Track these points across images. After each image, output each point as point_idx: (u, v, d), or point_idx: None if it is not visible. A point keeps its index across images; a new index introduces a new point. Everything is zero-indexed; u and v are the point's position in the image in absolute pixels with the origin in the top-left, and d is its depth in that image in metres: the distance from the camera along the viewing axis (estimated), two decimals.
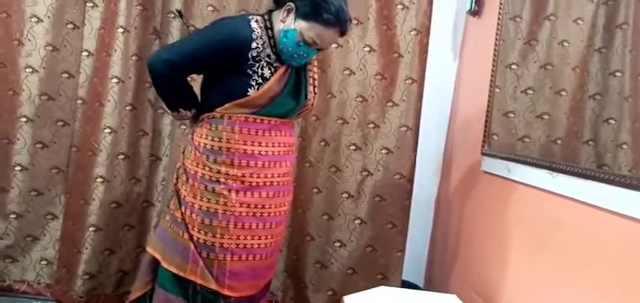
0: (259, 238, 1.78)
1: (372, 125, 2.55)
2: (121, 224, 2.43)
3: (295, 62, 1.76)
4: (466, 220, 2.39)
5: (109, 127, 2.35)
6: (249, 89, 1.70)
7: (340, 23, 1.69)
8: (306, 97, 1.85)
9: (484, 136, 2.20)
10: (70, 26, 2.39)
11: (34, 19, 2.35)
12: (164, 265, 1.79)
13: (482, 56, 2.31)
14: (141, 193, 2.48)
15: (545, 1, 1.93)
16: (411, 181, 2.56)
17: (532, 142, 1.90)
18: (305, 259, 2.59)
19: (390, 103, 2.54)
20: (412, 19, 2.51)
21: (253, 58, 1.70)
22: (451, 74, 2.77)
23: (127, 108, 2.38)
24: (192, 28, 2.39)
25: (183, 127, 2.45)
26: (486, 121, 2.19)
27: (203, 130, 1.77)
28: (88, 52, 2.37)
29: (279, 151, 1.80)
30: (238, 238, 1.75)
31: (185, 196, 1.79)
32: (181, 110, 1.84)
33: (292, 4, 1.69)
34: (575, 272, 1.49)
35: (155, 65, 1.73)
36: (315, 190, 2.58)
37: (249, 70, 1.70)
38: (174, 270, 1.77)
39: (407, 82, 2.53)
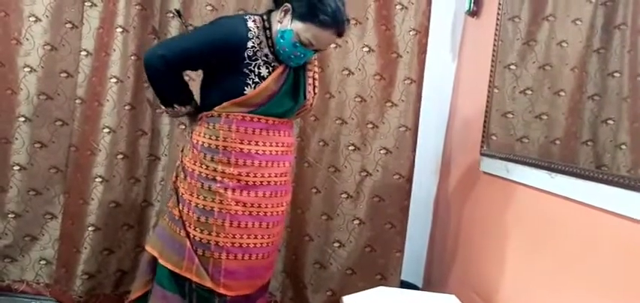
0: (255, 238, 1.79)
1: (370, 125, 2.55)
2: (119, 224, 2.43)
3: (292, 63, 1.76)
4: (465, 221, 2.39)
5: (107, 127, 2.35)
6: (245, 88, 1.71)
7: (337, 24, 1.68)
8: (304, 97, 1.85)
9: (483, 136, 2.20)
10: (69, 26, 2.39)
11: (32, 19, 2.34)
12: (162, 262, 1.80)
13: (481, 56, 2.31)
14: (140, 192, 2.48)
15: (544, 1, 1.93)
16: (409, 181, 2.56)
17: (531, 143, 1.90)
18: (304, 260, 2.59)
19: (388, 104, 2.54)
20: (411, 20, 2.51)
21: (249, 57, 1.70)
22: (450, 74, 2.77)
23: (126, 108, 2.38)
24: (190, 28, 2.38)
25: (182, 126, 2.45)
26: (485, 121, 2.19)
27: (201, 128, 1.78)
28: (87, 51, 2.36)
29: (276, 151, 1.80)
30: (234, 237, 1.75)
31: (183, 194, 1.80)
32: (176, 106, 1.83)
33: (289, 5, 1.69)
34: (574, 272, 1.49)
35: (150, 60, 1.73)
36: (314, 191, 2.58)
37: (245, 69, 1.71)
38: (170, 267, 1.78)
39: (406, 82, 2.53)
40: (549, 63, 1.87)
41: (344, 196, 2.57)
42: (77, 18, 2.38)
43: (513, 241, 1.88)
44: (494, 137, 2.15)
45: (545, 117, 1.85)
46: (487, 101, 2.19)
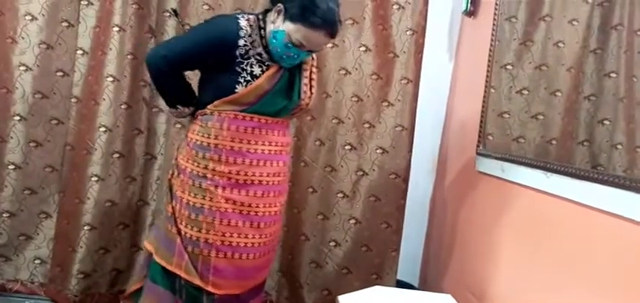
0: (246, 237, 1.78)
1: (367, 125, 2.55)
2: (115, 223, 2.42)
3: (285, 63, 1.76)
4: (461, 220, 2.39)
5: (104, 126, 2.34)
6: (237, 86, 1.72)
7: (328, 25, 1.67)
8: (299, 97, 1.84)
9: (479, 136, 2.21)
10: (65, 24, 2.37)
11: (28, 17, 2.33)
12: (156, 258, 1.82)
13: (478, 56, 2.31)
14: (136, 191, 2.47)
15: (541, 1, 1.94)
16: (406, 180, 2.56)
17: (527, 143, 1.91)
18: (300, 259, 2.59)
19: (385, 103, 2.54)
20: (408, 19, 2.52)
21: (241, 55, 1.71)
22: (446, 74, 2.78)
23: (122, 107, 2.37)
24: (187, 27, 2.38)
25: (178, 125, 2.44)
26: (481, 121, 2.20)
27: (195, 126, 1.80)
28: (83, 50, 2.35)
29: (270, 150, 1.80)
30: (224, 235, 1.75)
31: (176, 191, 1.82)
32: (179, 107, 1.86)
33: (281, 6, 1.69)
34: (569, 272, 1.50)
35: (153, 61, 1.77)
36: (310, 190, 2.58)
37: (237, 68, 1.71)
38: (162, 263, 1.79)
39: (402, 82, 2.53)
40: (546, 63, 1.87)
41: (340, 195, 2.56)
42: (73, 17, 2.37)
43: (509, 241, 1.89)
44: (490, 137, 2.15)
45: (541, 117, 1.86)
46: (483, 101, 2.20)
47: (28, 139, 2.39)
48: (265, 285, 2.07)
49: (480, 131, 2.20)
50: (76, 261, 2.35)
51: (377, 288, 2.04)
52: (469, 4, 2.51)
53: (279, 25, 1.70)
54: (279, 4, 1.70)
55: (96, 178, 2.35)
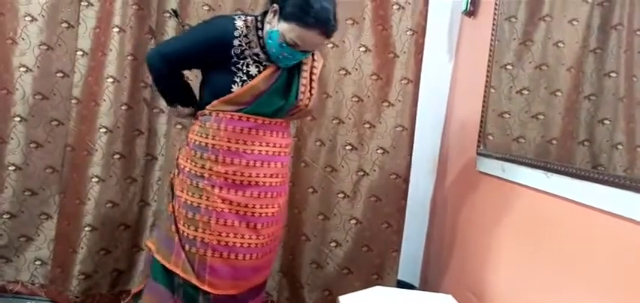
0: (242, 237, 1.78)
1: (367, 125, 2.55)
2: (116, 224, 2.43)
3: (282, 63, 1.76)
4: (461, 220, 2.39)
5: (104, 127, 2.35)
6: (233, 86, 1.73)
7: (321, 25, 1.66)
8: (296, 97, 1.84)
9: (479, 136, 2.20)
10: (65, 25, 2.38)
11: (28, 18, 2.33)
12: (157, 257, 1.83)
13: (478, 56, 2.31)
14: (136, 192, 2.48)
15: (541, 1, 1.94)
16: (406, 181, 2.56)
17: (527, 143, 1.91)
18: (300, 259, 2.59)
19: (385, 103, 2.54)
20: (408, 20, 2.52)
21: (237, 55, 1.72)
22: (447, 74, 2.78)
23: (123, 107, 2.37)
24: (187, 28, 2.38)
25: (179, 126, 2.44)
26: (481, 121, 2.20)
27: (195, 126, 1.82)
28: (83, 51, 2.36)
29: (267, 151, 1.80)
30: (220, 235, 1.76)
31: (176, 190, 1.83)
32: (178, 106, 1.88)
33: (277, 6, 1.69)
34: (569, 272, 1.49)
35: (153, 61, 1.80)
36: (311, 190, 2.58)
37: (233, 68, 1.72)
38: (162, 261, 1.80)
39: (402, 82, 2.53)
40: (546, 63, 1.87)
41: (341, 195, 2.57)
42: (73, 18, 2.37)
43: (509, 241, 1.88)
44: (490, 137, 2.15)
45: (541, 117, 1.85)
46: (484, 101, 2.20)
47: (29, 140, 2.39)
48: (266, 285, 2.07)
49: (480, 131, 2.20)
50: (76, 262, 2.36)
51: (377, 288, 2.04)
52: (469, 4, 2.51)
53: (275, 25, 1.70)
54: (274, 4, 1.70)
55: (96, 179, 2.35)
